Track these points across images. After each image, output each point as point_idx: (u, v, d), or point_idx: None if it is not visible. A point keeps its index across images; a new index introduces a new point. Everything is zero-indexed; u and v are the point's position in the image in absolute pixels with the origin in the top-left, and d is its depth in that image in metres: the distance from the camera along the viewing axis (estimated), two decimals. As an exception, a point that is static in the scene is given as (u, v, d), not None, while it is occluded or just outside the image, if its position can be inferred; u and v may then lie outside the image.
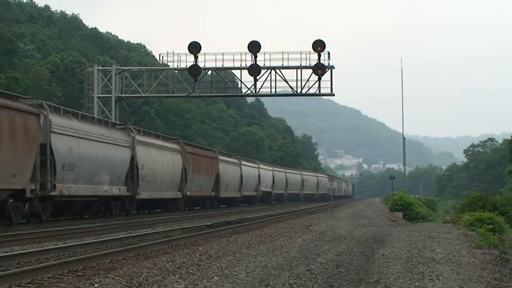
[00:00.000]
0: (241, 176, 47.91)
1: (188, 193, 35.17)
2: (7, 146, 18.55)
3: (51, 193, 21.13)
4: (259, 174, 54.25)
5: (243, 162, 49.86)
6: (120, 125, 29.53)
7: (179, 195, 34.06)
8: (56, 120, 21.73)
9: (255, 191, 52.99)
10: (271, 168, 62.11)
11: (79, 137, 23.05)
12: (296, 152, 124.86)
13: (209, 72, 40.51)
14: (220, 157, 43.30)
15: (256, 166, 55.02)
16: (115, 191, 26.12)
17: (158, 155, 31.18)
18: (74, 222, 22.60)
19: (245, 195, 49.23)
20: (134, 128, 29.64)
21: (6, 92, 21.04)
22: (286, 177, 67.33)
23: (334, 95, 38.98)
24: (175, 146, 34.61)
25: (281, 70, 37.83)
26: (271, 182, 59.76)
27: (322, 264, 11.75)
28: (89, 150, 23.78)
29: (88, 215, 25.61)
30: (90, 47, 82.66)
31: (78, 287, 8.54)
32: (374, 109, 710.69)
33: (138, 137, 28.93)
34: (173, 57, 38.49)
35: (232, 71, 39.56)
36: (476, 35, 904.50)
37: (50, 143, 21.08)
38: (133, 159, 27.81)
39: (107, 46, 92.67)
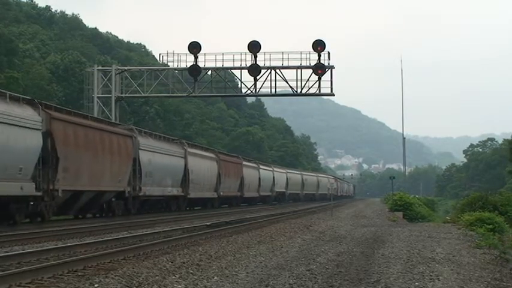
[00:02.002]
0: (259, 179, 53.96)
1: (222, 193, 42.12)
2: (116, 160, 26.17)
3: (139, 194, 28.62)
4: (273, 177, 59.47)
5: (261, 167, 56.17)
6: (177, 140, 37.44)
7: (215, 195, 41.10)
8: (141, 140, 29.58)
9: (270, 191, 58.44)
10: (284, 171, 67.46)
11: (154, 152, 30.58)
12: (296, 152, 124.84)
13: (209, 72, 40.48)
14: (244, 163, 50.00)
15: (271, 169, 60.51)
16: (175, 191, 33.60)
17: (202, 162, 38.34)
18: (146, 215, 28.43)
19: (262, 195, 55.12)
20: (186, 142, 37.82)
21: (108, 120, 30.70)
22: (302, 179, 73.17)
23: (334, 95, 39.00)
24: (212, 155, 42.01)
25: (281, 70, 37.80)
26: (285, 183, 64.88)
27: (322, 264, 11.76)
28: (160, 160, 31.15)
29: (154, 210, 32.17)
30: (90, 47, 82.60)
31: (78, 287, 8.54)
32: (374, 109, 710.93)
33: (189, 149, 36.39)
34: (173, 57, 38.57)
35: (232, 71, 39.54)
36: (476, 35, 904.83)
37: (138, 157, 28.66)
38: (185, 166, 34.95)
39: (107, 46, 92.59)
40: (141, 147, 29.00)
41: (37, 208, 20.77)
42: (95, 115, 34.08)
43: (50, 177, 20.96)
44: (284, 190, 64.15)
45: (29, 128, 19.92)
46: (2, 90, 20.62)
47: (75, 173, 22.85)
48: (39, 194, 20.40)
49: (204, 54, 37.76)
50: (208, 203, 40.76)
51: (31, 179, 20.10)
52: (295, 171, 75.78)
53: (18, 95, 21.65)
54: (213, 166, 40.64)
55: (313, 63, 37.14)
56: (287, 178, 66.05)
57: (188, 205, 36.98)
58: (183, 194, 34.69)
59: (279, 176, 62.47)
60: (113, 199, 26.76)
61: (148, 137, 31.41)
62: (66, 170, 21.99)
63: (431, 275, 10.54)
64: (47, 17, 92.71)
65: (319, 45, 36.76)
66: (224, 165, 42.92)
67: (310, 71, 37.43)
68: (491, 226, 22.69)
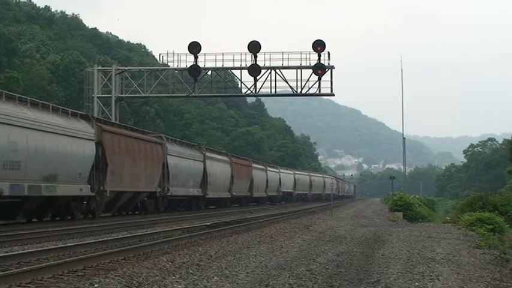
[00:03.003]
0: (267, 180, 57.27)
1: (234, 193, 45.59)
2: (149, 164, 30.08)
3: (167, 194, 32.29)
4: (279, 178, 62.90)
5: (268, 168, 59.71)
6: (196, 145, 41.63)
7: (229, 195, 44.71)
8: (169, 146, 33.47)
9: (276, 191, 61.80)
10: (292, 172, 71.63)
11: (179, 156, 34.38)
12: (296, 151, 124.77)
13: (209, 72, 40.47)
14: (253, 165, 53.44)
15: (277, 171, 63.96)
16: (196, 192, 37.38)
17: (218, 166, 42.03)
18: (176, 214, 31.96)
19: (269, 195, 58.54)
20: (205, 147, 42.15)
21: (143, 129, 34.69)
22: (310, 180, 77.87)
23: (334, 95, 39.00)
24: (226, 158, 45.64)
25: (281, 70, 37.78)
26: (293, 183, 68.41)
27: (322, 264, 11.76)
28: (184, 164, 35.05)
29: (178, 208, 35.55)
30: (90, 47, 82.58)
31: (78, 287, 8.54)
32: (374, 109, 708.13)
33: (207, 154, 40.26)
34: (173, 57, 38.54)
35: (232, 71, 39.53)
36: (476, 35, 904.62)
37: (167, 162, 32.29)
38: (204, 169, 38.53)
39: (107, 46, 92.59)
40: (168, 153, 32.91)
41: (90, 206, 24.80)
42: (95, 115, 34.06)
43: (100, 180, 24.99)
44: (292, 190, 67.71)
45: (85, 139, 24.03)
46: (64, 108, 24.49)
47: (119, 176, 26.71)
48: (93, 194, 24.43)
49: (204, 54, 37.80)
50: (222, 202, 44.43)
51: (87, 181, 24.11)
52: (304, 173, 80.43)
53: (76, 111, 25.47)
54: (227, 169, 44.44)
55: (313, 63, 37.12)
56: (295, 179, 69.57)
57: (206, 204, 40.44)
58: (202, 194, 38.43)
59: (286, 177, 65.97)
60: (146, 198, 30.66)
61: (174, 144, 35.39)
62: (112, 174, 25.91)
63: (431, 275, 10.54)
64: (46, 17, 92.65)
65: (319, 46, 36.74)
66: (236, 168, 46.70)
67: (310, 71, 37.41)
68: (491, 226, 22.71)
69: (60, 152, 21.92)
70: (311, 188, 77.03)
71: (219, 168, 42.23)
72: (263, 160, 72.35)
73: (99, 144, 24.87)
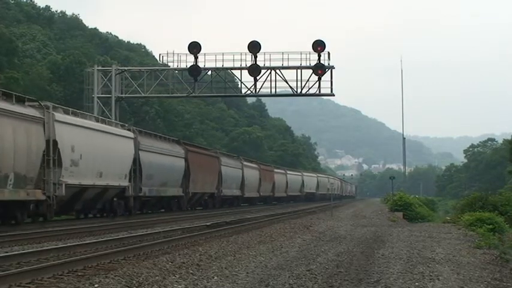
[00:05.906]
0: (287, 182, 66.84)
1: (261, 193, 56.20)
2: (211, 173, 40.79)
3: (221, 194, 42.78)
4: (302, 180, 73.89)
5: (288, 172, 69.84)
6: (236, 156, 52.70)
7: (257, 195, 55.31)
8: (222, 159, 44.71)
9: (299, 192, 72.51)
10: (315, 175, 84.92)
11: (227, 166, 45.21)
12: (296, 151, 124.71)
13: (209, 73, 40.45)
14: (275, 170, 63.93)
15: (300, 174, 75.48)
16: (237, 193, 48.53)
17: (251, 171, 52.73)
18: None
19: (289, 195, 68.24)
20: (242, 158, 53.20)
21: (205, 147, 50.08)
22: (329, 182, 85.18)
23: (334, 95, 38.99)
24: (255, 165, 56.17)
25: (281, 70, 37.77)
26: (316, 185, 79.96)
27: (322, 264, 11.76)
28: (231, 172, 45.95)
29: (225, 205, 44.94)
30: (90, 47, 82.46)
31: (78, 287, 8.54)
32: (374, 109, 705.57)
33: (244, 162, 51.31)
34: (173, 57, 38.51)
35: (232, 71, 39.53)
36: (476, 36, 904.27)
37: (221, 170, 42.97)
38: (242, 175, 49.53)
39: (107, 46, 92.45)
40: (222, 164, 43.65)
41: (179, 203, 35.32)
42: (95, 115, 34.06)
43: (186, 185, 35.60)
44: (314, 191, 78.67)
45: (180, 157, 35.14)
46: (167, 136, 36.73)
47: (195, 181, 37.07)
48: (183, 194, 35.38)
49: (204, 54, 37.76)
50: (253, 201, 54.19)
51: (180, 186, 34.96)
52: (324, 175, 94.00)
53: (173, 138, 37.93)
54: (257, 174, 55.11)
55: (313, 63, 37.10)
56: (317, 181, 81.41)
57: (243, 202, 50.74)
58: (241, 194, 49.24)
59: (309, 179, 78.17)
60: (206, 198, 40.64)
61: (225, 157, 46.93)
62: (193, 180, 36.57)
63: (431, 275, 10.55)
64: (46, 16, 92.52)
65: (319, 46, 36.72)
66: (263, 173, 57.00)
67: (310, 71, 37.40)
68: (491, 226, 22.71)
69: (169, 166, 32.92)
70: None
71: (252, 173, 52.88)
72: (262, 159, 72.64)
73: (186, 160, 35.58)
